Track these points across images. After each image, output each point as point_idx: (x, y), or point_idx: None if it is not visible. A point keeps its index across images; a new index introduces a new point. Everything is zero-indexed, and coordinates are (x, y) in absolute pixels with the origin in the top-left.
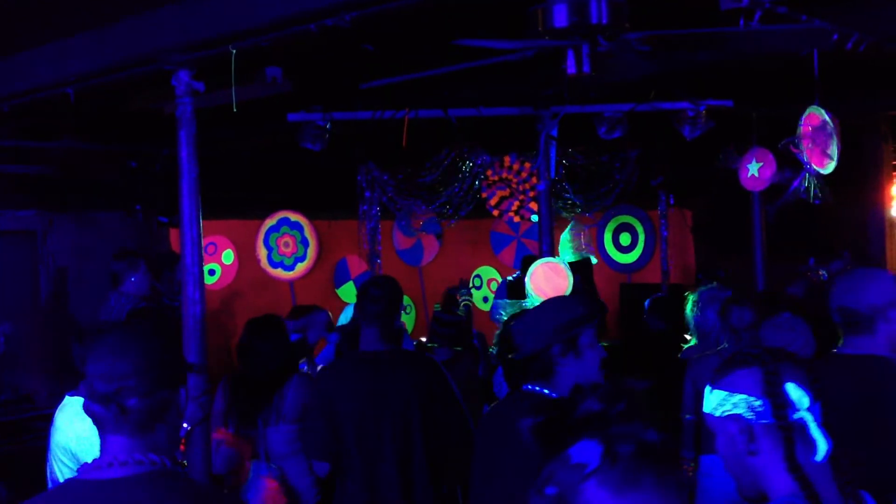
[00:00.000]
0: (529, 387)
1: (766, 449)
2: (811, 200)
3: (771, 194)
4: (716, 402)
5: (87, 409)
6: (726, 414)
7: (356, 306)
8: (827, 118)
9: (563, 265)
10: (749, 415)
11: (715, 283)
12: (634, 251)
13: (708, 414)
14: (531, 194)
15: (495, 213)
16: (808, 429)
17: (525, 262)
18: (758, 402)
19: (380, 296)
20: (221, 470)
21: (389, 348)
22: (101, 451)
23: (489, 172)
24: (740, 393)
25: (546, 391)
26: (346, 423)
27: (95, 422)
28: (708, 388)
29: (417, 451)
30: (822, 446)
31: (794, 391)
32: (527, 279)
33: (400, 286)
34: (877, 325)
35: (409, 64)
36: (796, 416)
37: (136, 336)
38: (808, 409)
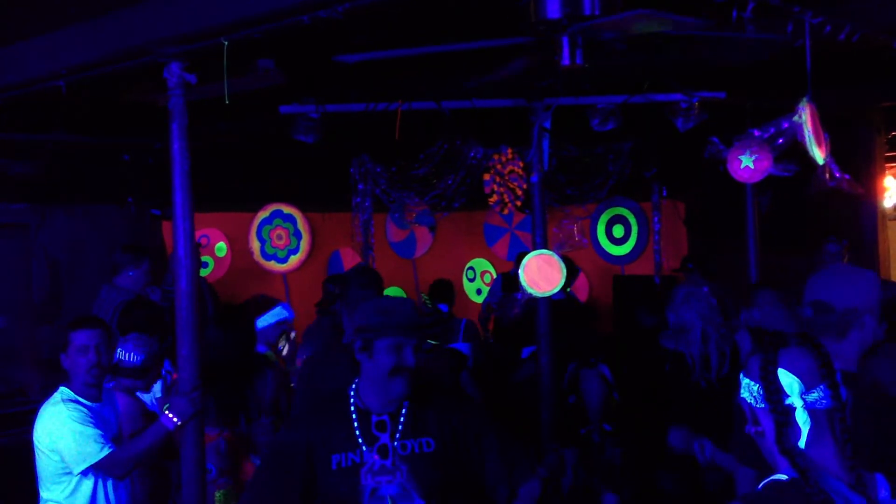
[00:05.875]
0: None
1: (767, 431)
2: (840, 187)
3: (764, 186)
4: (742, 385)
5: None
6: (741, 396)
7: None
8: (799, 108)
9: (556, 257)
10: (750, 399)
11: (694, 275)
12: (627, 243)
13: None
14: (513, 185)
15: (492, 201)
16: (794, 414)
17: (521, 259)
18: (755, 387)
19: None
20: (224, 472)
21: None
22: None
23: (489, 164)
24: (747, 378)
25: None
26: None
27: None
28: None
29: None
30: (802, 433)
31: (785, 377)
32: (520, 271)
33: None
34: (850, 331)
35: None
36: (788, 401)
37: None
38: (801, 395)
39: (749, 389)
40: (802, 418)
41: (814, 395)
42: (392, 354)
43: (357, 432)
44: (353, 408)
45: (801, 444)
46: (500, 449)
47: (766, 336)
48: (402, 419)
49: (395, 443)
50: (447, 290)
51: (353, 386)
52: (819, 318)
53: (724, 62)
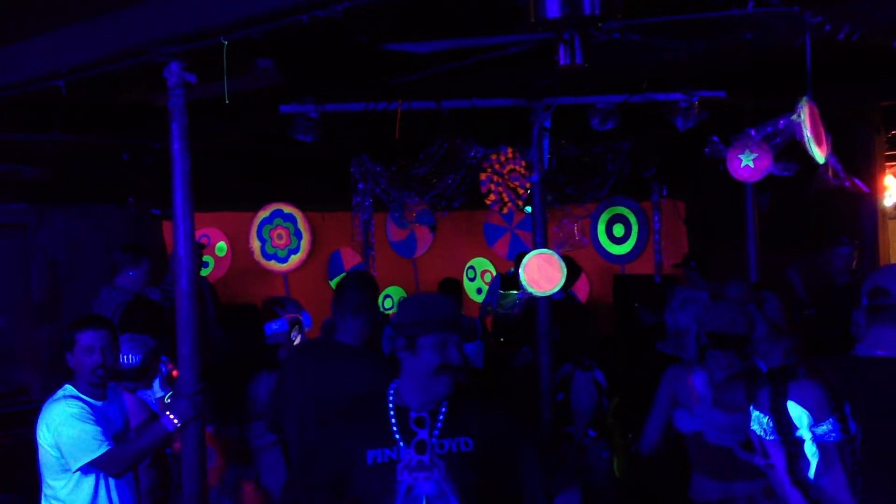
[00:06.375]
0: None
1: (778, 463)
2: (843, 186)
3: (764, 185)
4: (751, 417)
5: None
6: (752, 429)
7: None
8: (798, 107)
9: (556, 256)
10: (760, 431)
11: (693, 273)
12: (628, 242)
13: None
14: (514, 184)
15: (489, 200)
16: (804, 447)
17: (520, 259)
18: (765, 419)
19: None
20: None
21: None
22: None
23: (485, 164)
24: (756, 410)
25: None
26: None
27: None
28: None
29: None
30: (811, 465)
31: (794, 409)
32: (520, 270)
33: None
34: None
35: (401, 56)
36: (798, 433)
37: None
38: (810, 428)
39: (759, 422)
40: (811, 451)
41: (823, 428)
42: (436, 352)
43: (394, 428)
44: (391, 405)
45: (811, 475)
46: (539, 457)
47: (778, 368)
48: (440, 417)
49: (433, 440)
50: (455, 289)
51: (394, 386)
52: (874, 303)
53: (725, 58)
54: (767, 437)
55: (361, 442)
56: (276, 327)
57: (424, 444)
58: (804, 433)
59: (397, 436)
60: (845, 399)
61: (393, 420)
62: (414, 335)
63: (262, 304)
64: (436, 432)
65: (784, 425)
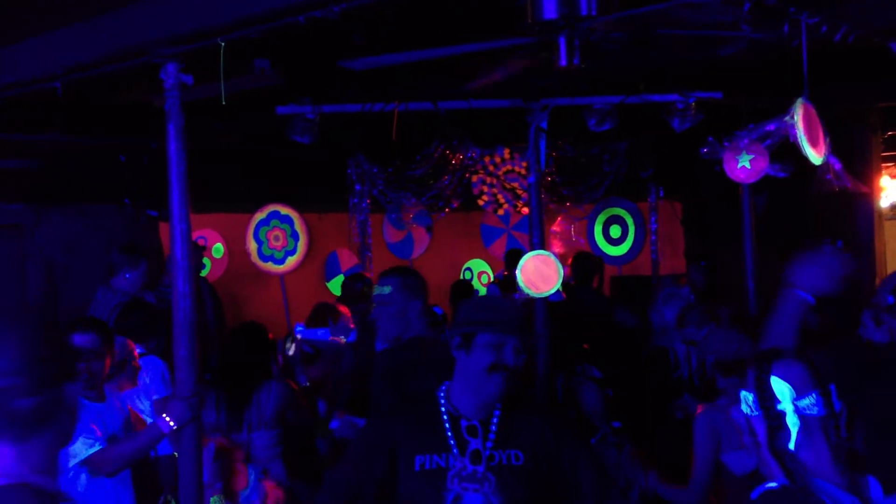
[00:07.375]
0: None
1: (761, 437)
2: (844, 186)
3: (761, 186)
4: (740, 399)
5: None
6: (740, 409)
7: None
8: (791, 108)
9: (552, 257)
10: (747, 409)
11: (674, 281)
12: (625, 243)
13: None
14: (513, 185)
15: (482, 202)
16: (785, 419)
17: (510, 257)
18: (750, 396)
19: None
20: (218, 477)
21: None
22: None
23: (478, 166)
24: (744, 391)
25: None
26: None
27: None
28: None
29: None
30: (792, 435)
31: (777, 384)
32: (517, 272)
33: None
34: None
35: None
36: (779, 407)
37: (15, 327)
38: (793, 401)
39: (745, 401)
40: (792, 421)
41: (805, 402)
42: (491, 351)
43: (449, 434)
44: (443, 409)
45: (791, 446)
46: (594, 475)
47: (765, 351)
48: (493, 427)
49: (486, 451)
50: (467, 292)
51: (444, 388)
52: None
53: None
54: (752, 414)
55: (412, 446)
56: (321, 335)
57: (479, 454)
58: (786, 406)
59: (451, 442)
60: (831, 381)
61: (447, 426)
62: (471, 333)
63: (317, 308)
64: (489, 444)
65: (767, 399)
